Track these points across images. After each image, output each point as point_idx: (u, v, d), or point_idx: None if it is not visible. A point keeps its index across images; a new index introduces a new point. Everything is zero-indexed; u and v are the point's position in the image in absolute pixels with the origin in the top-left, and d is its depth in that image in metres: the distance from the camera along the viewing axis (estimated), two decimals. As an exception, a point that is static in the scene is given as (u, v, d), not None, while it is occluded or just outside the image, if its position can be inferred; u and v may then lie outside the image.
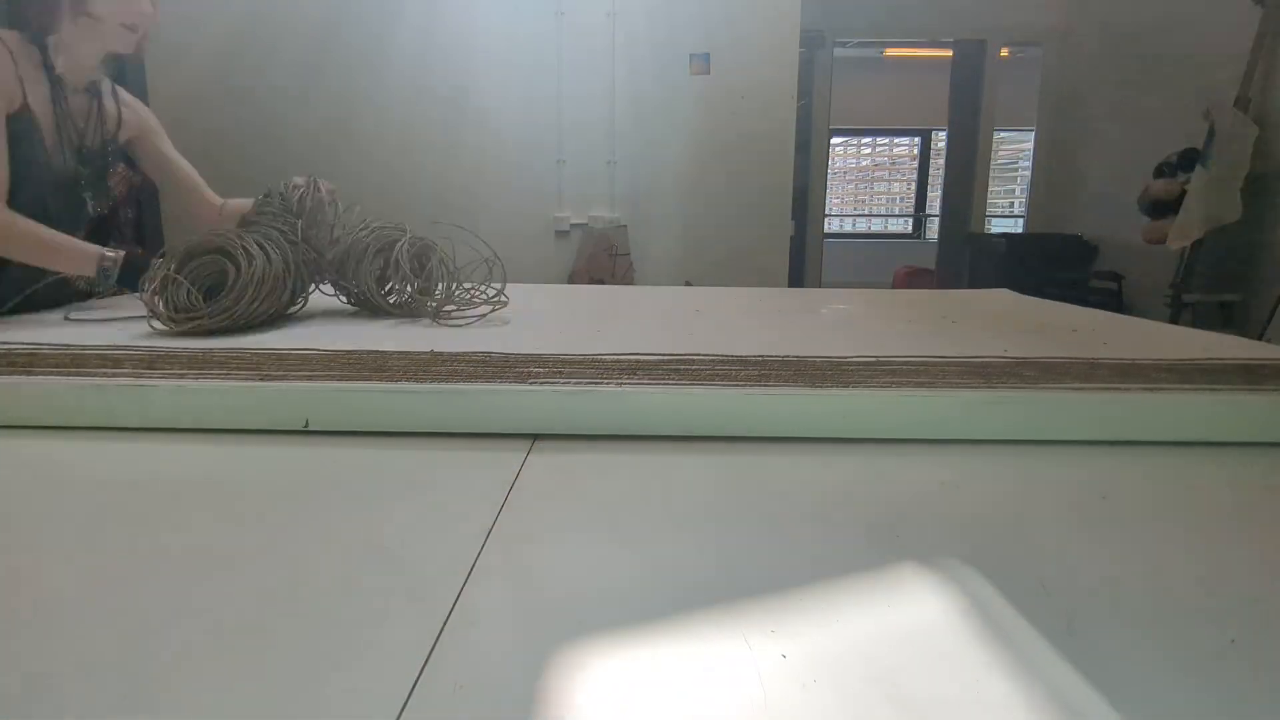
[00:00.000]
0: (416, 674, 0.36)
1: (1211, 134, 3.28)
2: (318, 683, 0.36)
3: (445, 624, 0.41)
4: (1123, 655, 0.39)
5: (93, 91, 1.36)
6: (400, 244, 1.17)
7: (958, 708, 0.34)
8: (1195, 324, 3.26)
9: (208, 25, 3.56)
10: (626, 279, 3.68)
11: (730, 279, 3.72)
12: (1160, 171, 3.61)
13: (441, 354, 0.81)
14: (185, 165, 1.50)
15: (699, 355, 0.84)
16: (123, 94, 1.44)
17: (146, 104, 1.48)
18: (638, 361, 0.81)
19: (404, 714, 0.33)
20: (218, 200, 1.48)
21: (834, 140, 7.02)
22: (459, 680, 0.36)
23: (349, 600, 0.43)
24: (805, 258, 4.98)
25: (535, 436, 0.71)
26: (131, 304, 1.19)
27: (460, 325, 1.06)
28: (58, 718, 0.33)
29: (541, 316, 1.17)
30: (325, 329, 1.05)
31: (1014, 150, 7.08)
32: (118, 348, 0.86)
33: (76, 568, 0.47)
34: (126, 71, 3.66)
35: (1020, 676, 0.37)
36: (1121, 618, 0.42)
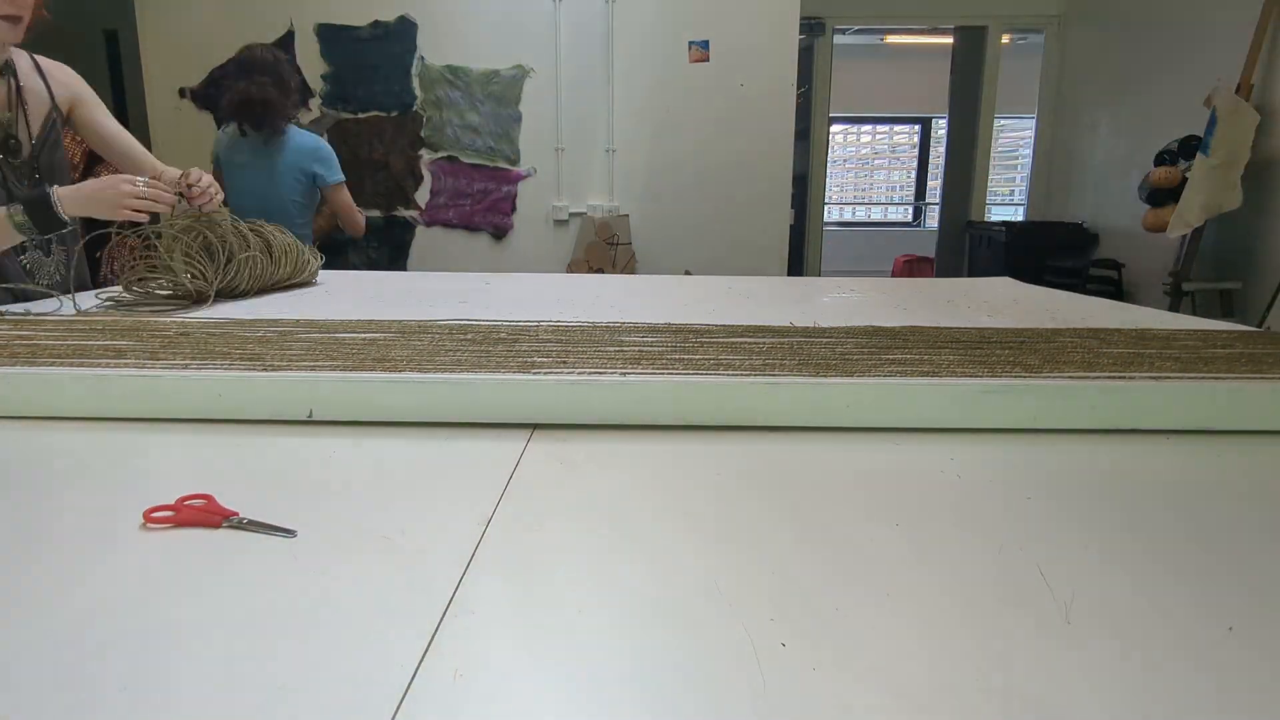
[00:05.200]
0: (417, 661, 0.37)
1: (1213, 121, 3.26)
2: (320, 670, 0.36)
3: (445, 612, 0.41)
4: (1121, 645, 0.39)
5: (6, 72, 1.32)
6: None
7: (957, 697, 0.35)
8: (1195, 312, 3.25)
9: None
10: (628, 268, 3.65)
11: (730, 267, 3.71)
12: (1161, 159, 3.59)
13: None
14: (125, 134, 1.48)
15: (703, 326, 0.84)
16: (46, 65, 1.39)
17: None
18: (640, 352, 0.82)
19: (404, 701, 0.34)
20: (160, 168, 1.44)
21: (834, 128, 6.99)
22: (459, 668, 0.36)
23: (350, 588, 0.43)
24: (805, 246, 4.97)
25: (535, 426, 0.71)
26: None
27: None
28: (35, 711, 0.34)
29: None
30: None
31: (1015, 137, 7.04)
32: (122, 332, 0.86)
33: (75, 560, 0.47)
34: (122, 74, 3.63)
35: (1020, 666, 0.37)
36: (1120, 606, 0.42)
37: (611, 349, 0.83)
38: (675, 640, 0.39)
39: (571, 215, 3.77)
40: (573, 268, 3.69)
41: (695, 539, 0.50)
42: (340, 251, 3.80)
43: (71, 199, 1.22)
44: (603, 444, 0.68)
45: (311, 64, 3.64)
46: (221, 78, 3.62)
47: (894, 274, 6.22)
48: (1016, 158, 7.16)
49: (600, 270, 3.55)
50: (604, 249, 3.60)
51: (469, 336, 0.88)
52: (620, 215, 3.68)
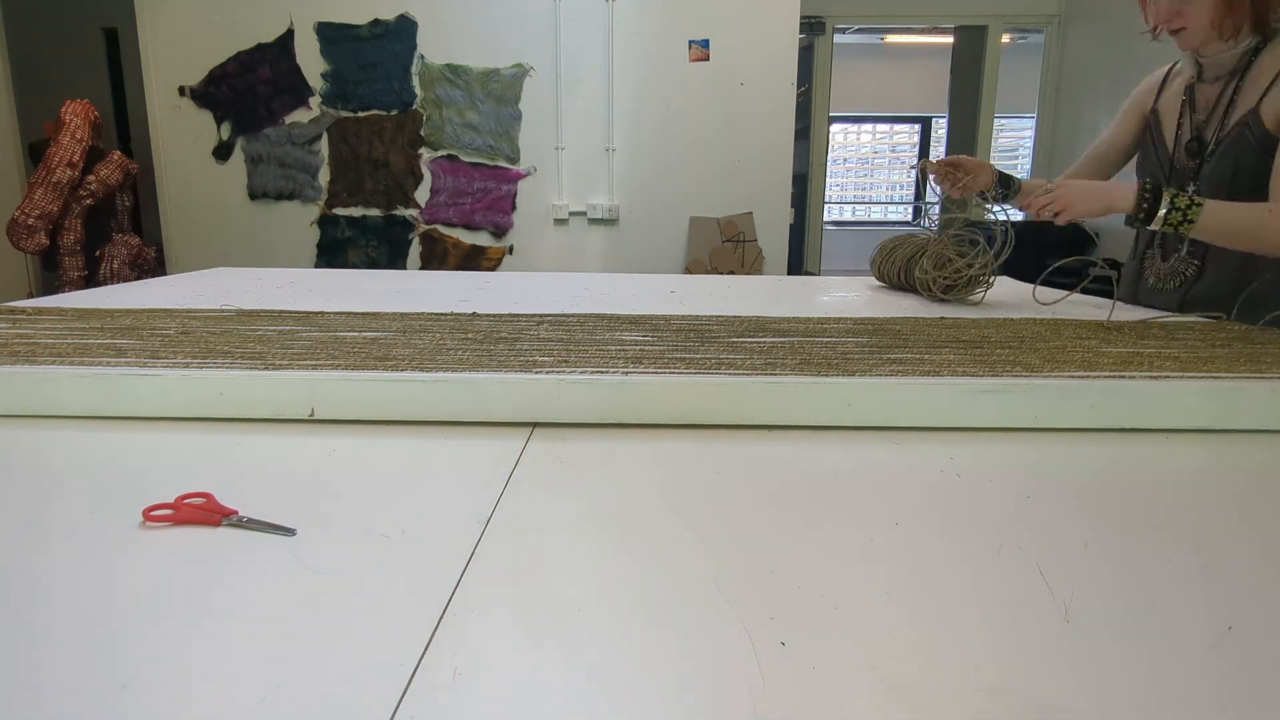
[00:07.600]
0: (416, 660, 0.37)
1: (1213, 121, 3.25)
2: (318, 668, 0.36)
3: (445, 611, 0.41)
4: (1121, 645, 0.39)
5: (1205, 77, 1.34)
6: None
7: (957, 696, 0.35)
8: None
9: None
10: (756, 267, 3.44)
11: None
12: (1161, 159, 3.59)
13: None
14: None
15: (704, 326, 0.84)
16: None
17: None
18: (642, 351, 0.81)
19: (403, 700, 0.34)
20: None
21: (833, 127, 6.99)
22: (458, 667, 0.36)
23: (350, 587, 0.43)
24: (805, 245, 4.97)
25: (535, 425, 0.71)
26: None
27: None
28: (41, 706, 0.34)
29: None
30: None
31: (1015, 137, 7.04)
32: (123, 331, 0.86)
33: (75, 558, 0.47)
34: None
35: (1020, 666, 0.37)
36: (1120, 606, 0.42)
37: (613, 348, 0.83)
38: (675, 640, 0.39)
39: (572, 214, 3.77)
40: (691, 270, 3.49)
41: (695, 539, 0.50)
42: (340, 250, 3.80)
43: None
44: (603, 443, 0.68)
45: (311, 62, 3.64)
46: (221, 76, 3.62)
47: (894, 273, 6.20)
48: (1016, 158, 7.16)
49: (731, 272, 3.34)
50: (730, 250, 3.40)
51: (470, 335, 0.88)
52: (744, 213, 3.52)
